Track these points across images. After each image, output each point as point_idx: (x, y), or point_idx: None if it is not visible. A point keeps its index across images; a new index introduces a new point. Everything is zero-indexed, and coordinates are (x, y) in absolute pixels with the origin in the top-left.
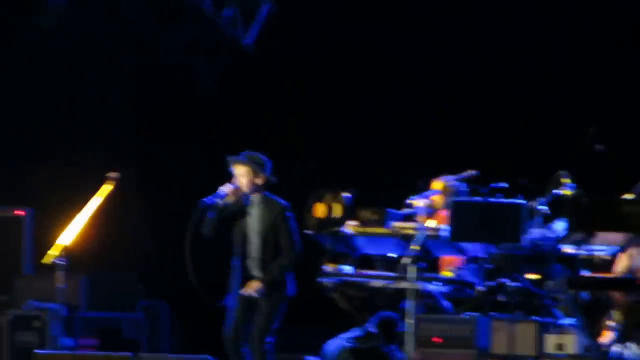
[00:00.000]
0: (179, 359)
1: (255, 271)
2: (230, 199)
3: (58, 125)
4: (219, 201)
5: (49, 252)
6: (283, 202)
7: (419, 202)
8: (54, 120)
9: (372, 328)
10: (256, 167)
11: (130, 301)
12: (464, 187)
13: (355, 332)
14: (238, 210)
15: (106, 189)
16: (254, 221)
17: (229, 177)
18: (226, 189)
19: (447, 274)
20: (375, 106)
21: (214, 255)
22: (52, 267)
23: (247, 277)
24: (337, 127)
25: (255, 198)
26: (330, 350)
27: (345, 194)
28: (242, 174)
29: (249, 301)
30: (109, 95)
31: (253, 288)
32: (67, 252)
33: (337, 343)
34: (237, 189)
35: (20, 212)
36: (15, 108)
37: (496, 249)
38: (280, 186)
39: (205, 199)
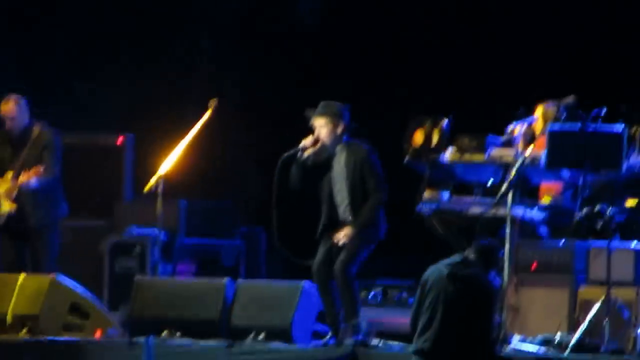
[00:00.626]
0: (276, 284)
1: (345, 218)
2: (312, 151)
3: (160, 52)
4: (300, 154)
5: (150, 179)
6: (365, 145)
7: (518, 129)
8: (159, 48)
9: (470, 255)
10: (334, 117)
11: (228, 228)
12: (563, 113)
13: (453, 259)
14: (322, 161)
15: (206, 116)
16: (339, 168)
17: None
18: (307, 141)
19: (546, 200)
20: (475, 32)
21: (302, 209)
22: (152, 193)
23: (335, 227)
24: (436, 52)
25: (338, 146)
26: (429, 277)
27: (444, 121)
28: (321, 125)
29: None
30: (210, 25)
31: (344, 234)
32: (168, 179)
33: (436, 269)
34: (318, 141)
35: (121, 138)
36: (117, 40)
37: (595, 176)
38: (380, 115)
39: (286, 153)
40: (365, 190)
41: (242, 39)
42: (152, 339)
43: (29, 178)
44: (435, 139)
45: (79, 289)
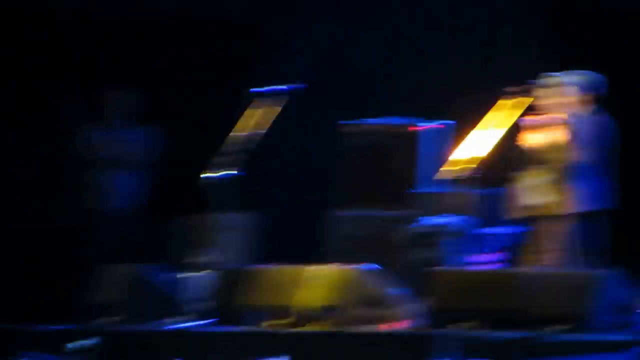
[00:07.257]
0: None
1: None
2: None
3: None
4: None
5: (450, 166)
6: None
7: None
8: None
9: None
10: None
11: None
12: None
13: None
14: None
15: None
16: None
17: None
18: None
19: None
20: None
21: None
22: (457, 180)
23: None
24: None
25: None
26: None
27: None
28: None
29: None
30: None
31: None
32: (478, 164)
33: None
34: None
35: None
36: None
37: None
38: None
39: None
40: None
41: None
42: (456, 331)
43: None
44: None
45: (376, 278)
